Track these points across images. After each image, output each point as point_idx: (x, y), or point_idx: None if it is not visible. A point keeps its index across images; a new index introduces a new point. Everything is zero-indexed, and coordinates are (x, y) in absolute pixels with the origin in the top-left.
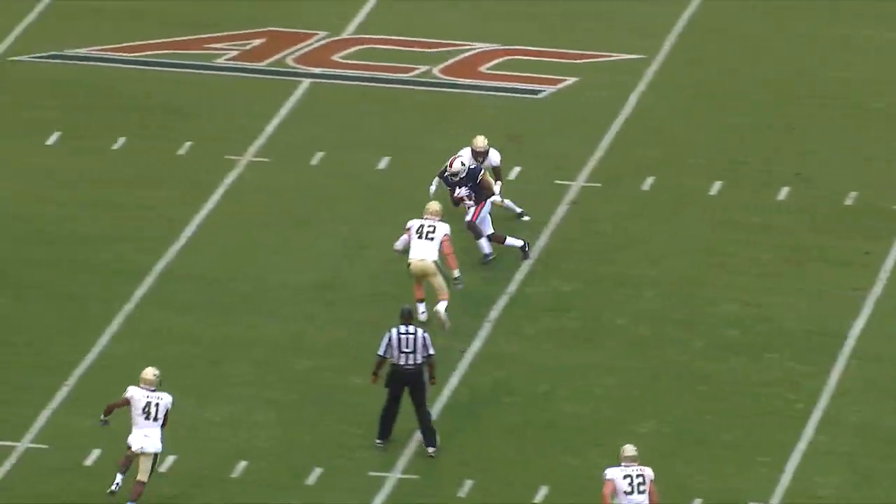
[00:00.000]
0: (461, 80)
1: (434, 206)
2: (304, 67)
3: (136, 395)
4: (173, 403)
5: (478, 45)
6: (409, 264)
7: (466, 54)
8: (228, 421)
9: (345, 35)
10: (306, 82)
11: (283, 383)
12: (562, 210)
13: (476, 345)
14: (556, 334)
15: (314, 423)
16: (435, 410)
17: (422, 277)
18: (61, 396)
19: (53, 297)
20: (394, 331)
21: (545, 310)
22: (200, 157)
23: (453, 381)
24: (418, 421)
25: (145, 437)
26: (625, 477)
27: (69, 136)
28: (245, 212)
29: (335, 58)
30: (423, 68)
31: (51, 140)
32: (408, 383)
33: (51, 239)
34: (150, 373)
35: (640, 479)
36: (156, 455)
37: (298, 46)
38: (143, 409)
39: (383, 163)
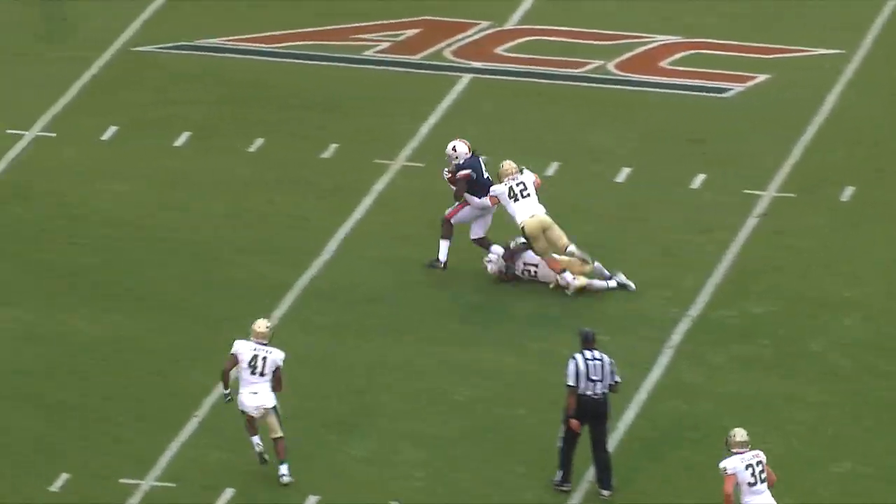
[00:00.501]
0: (639, 77)
1: (509, 164)
2: (464, 61)
3: (242, 349)
4: (285, 360)
5: (658, 37)
6: (522, 227)
7: (645, 48)
8: (376, 458)
9: (509, 25)
10: (466, 77)
11: (437, 416)
12: (751, 223)
13: (656, 373)
14: (745, 362)
15: (473, 461)
16: (609, 446)
17: (541, 234)
18: (191, 428)
19: (183, 316)
20: (579, 357)
21: (733, 335)
22: (347, 161)
23: (630, 413)
24: (595, 459)
25: (255, 395)
26: (747, 467)
27: (200, 137)
28: (396, 222)
29: (498, 50)
30: (597, 63)
31: (180, 141)
32: (593, 415)
33: (179, 251)
34: (262, 325)
35: (761, 467)
36: (275, 408)
37: (457, 38)
38: (250, 364)
39: (552, 168)
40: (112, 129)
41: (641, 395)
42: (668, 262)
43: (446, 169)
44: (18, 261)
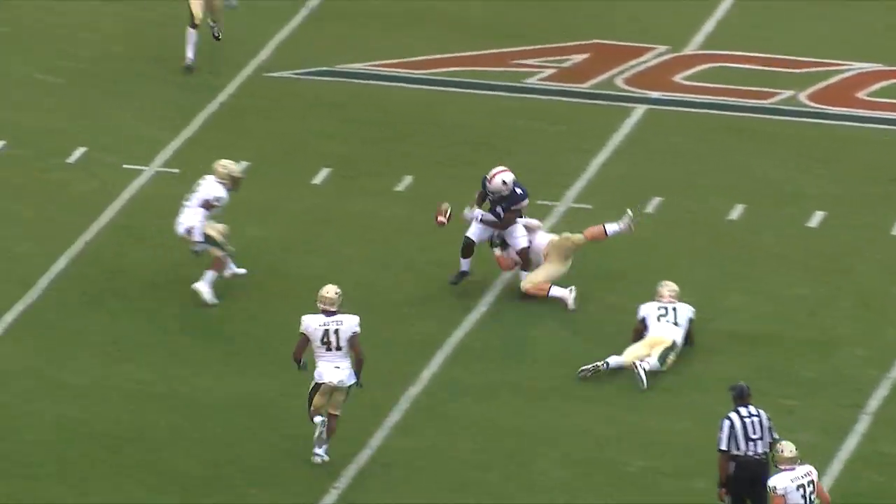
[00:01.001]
0: (834, 109)
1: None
2: (638, 90)
3: (310, 323)
4: (360, 325)
5: (855, 64)
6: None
7: (841, 77)
8: None
9: (689, 51)
10: (640, 109)
11: (609, 487)
12: None
13: (851, 442)
14: None
15: None
16: None
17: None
18: (329, 502)
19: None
20: (734, 416)
21: None
22: None
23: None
24: None
25: (336, 370)
26: (798, 487)
27: (343, 173)
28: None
29: (677, 79)
30: (787, 93)
31: (319, 178)
32: (754, 479)
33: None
34: (330, 290)
35: (812, 487)
36: (349, 389)
37: (630, 64)
38: (322, 340)
39: (736, 211)
40: (242, 165)
41: (835, 467)
42: (866, 317)
43: (479, 212)
44: (138, 312)
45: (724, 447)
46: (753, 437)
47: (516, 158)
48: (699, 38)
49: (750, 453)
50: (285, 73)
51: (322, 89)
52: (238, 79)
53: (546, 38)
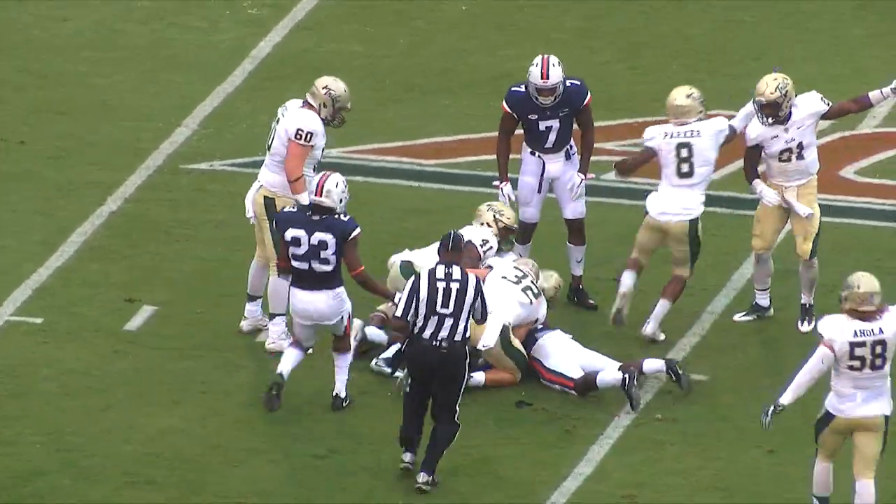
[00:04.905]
0: None
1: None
2: None
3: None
4: None
5: None
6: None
7: None
8: None
9: (864, 129)
10: None
11: None
12: None
13: None
14: None
15: None
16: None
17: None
18: None
19: None
20: (424, 273)
21: None
22: None
23: None
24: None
25: None
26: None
27: None
28: None
29: (846, 173)
30: None
31: None
32: (430, 370)
33: None
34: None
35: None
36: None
37: None
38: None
39: None
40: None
41: None
42: None
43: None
44: None
45: (399, 312)
46: (443, 310)
47: None
48: (882, 109)
49: (427, 334)
50: (215, 165)
51: None
52: (139, 172)
53: (606, 106)
